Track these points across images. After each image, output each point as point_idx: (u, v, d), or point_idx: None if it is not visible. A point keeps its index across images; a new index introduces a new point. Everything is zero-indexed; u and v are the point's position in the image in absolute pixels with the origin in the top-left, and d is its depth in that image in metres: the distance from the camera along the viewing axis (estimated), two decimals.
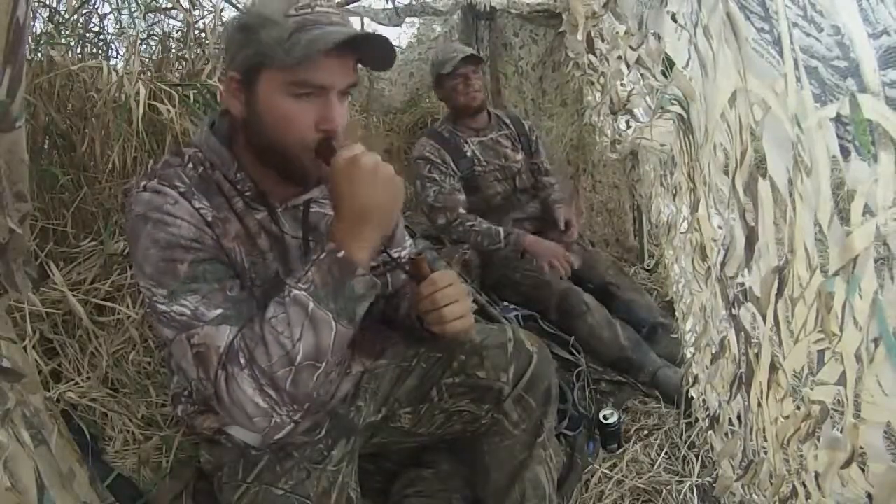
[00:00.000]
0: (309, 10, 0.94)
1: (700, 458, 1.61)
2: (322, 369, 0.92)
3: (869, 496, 0.47)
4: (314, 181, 1.03)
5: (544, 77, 3.21)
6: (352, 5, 3.17)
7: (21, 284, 0.72)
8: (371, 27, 3.24)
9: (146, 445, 1.50)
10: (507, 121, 2.47)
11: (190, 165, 1.03)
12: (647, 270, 2.77)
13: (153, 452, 1.51)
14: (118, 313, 1.67)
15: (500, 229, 2.19)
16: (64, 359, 1.59)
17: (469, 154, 2.29)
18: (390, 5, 3.25)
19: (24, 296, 0.76)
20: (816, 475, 0.55)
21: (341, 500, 1.15)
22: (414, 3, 3.33)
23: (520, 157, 2.38)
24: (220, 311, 0.92)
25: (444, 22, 3.84)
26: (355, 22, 3.25)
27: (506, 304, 2.15)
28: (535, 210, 2.45)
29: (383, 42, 0.99)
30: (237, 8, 2.02)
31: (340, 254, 0.91)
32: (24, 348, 1.31)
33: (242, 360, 0.89)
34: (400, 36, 3.99)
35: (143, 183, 0.97)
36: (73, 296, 1.54)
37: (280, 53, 0.92)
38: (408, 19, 3.58)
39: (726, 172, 0.59)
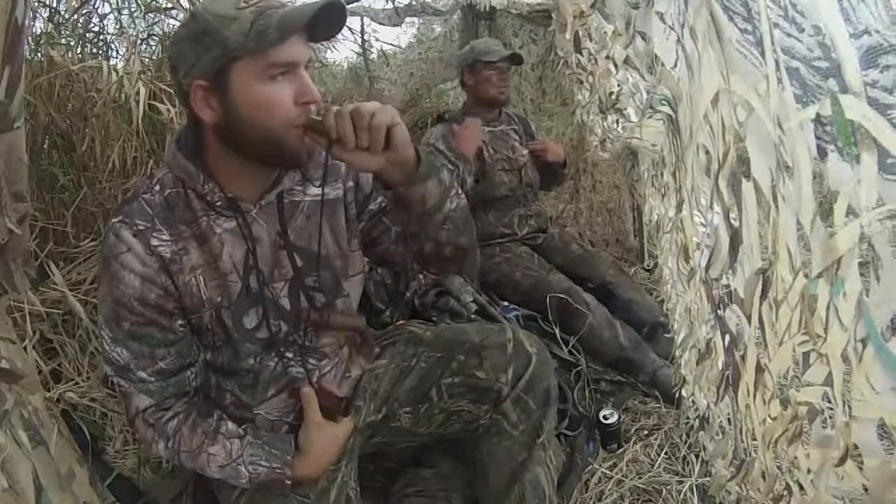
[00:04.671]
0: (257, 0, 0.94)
1: (700, 458, 1.61)
2: None
3: (865, 489, 0.47)
4: (305, 158, 1.02)
5: (544, 77, 3.21)
6: (352, 5, 3.17)
7: (20, 284, 0.72)
8: (371, 27, 3.25)
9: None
10: (516, 118, 2.53)
11: (157, 188, 1.04)
12: (647, 270, 2.77)
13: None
14: None
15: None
16: (64, 359, 1.59)
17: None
18: (390, 5, 3.25)
19: (22, 296, 0.77)
20: (810, 472, 0.55)
21: (340, 499, 1.16)
22: (414, 3, 3.33)
23: (525, 152, 2.41)
24: (143, 377, 1.05)
25: (444, 22, 3.84)
26: (355, 21, 3.26)
27: (506, 304, 2.14)
28: (539, 208, 2.48)
29: (340, 9, 0.98)
30: (188, 12, 2.03)
31: (288, 482, 1.10)
32: (24, 348, 1.32)
33: (156, 433, 1.07)
34: (400, 36, 4.00)
35: (113, 220, 1.02)
36: (73, 296, 1.54)
37: (250, 42, 0.91)
38: (408, 19, 3.58)
39: (708, 173, 0.59)
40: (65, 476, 0.91)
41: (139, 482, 1.45)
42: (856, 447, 0.46)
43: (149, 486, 1.45)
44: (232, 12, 0.93)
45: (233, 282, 1.07)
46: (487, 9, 3.41)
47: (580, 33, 1.00)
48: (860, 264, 0.39)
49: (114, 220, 1.01)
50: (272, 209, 1.09)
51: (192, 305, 1.05)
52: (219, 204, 1.04)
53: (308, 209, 1.14)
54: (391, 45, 3.93)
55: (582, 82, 1.18)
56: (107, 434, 1.53)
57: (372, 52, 4.16)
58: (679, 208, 0.82)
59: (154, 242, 1.00)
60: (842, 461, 0.48)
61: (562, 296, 2.08)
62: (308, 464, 1.11)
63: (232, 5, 0.94)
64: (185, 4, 2.04)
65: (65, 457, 0.96)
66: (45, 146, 1.83)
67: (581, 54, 1.04)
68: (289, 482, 1.09)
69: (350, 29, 3.27)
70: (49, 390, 1.46)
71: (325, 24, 0.97)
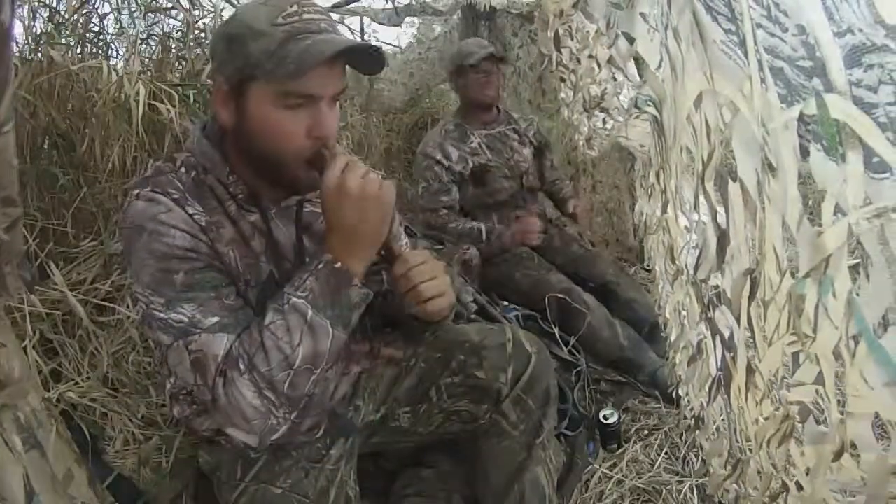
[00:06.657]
0: (297, 18, 0.92)
1: (700, 458, 1.61)
2: (318, 373, 0.96)
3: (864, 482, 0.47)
4: (306, 189, 1.02)
5: (543, 77, 3.21)
6: (352, 5, 3.17)
7: (13, 288, 0.72)
8: (371, 27, 3.25)
9: (146, 445, 1.51)
10: (516, 116, 2.49)
11: (182, 170, 1.03)
12: (647, 270, 2.75)
13: (153, 452, 1.51)
14: (118, 313, 1.68)
15: (482, 227, 2.24)
16: (64, 359, 1.60)
17: (474, 144, 2.30)
18: (390, 5, 3.25)
19: (14, 299, 0.77)
20: (807, 470, 0.55)
21: (339, 499, 1.16)
22: (414, 3, 3.33)
23: (526, 151, 2.39)
24: (217, 318, 0.95)
25: (444, 22, 3.85)
26: (355, 22, 3.26)
27: (506, 304, 2.14)
28: (540, 210, 2.47)
29: (372, 50, 0.99)
30: (237, 8, 2.04)
31: (338, 265, 0.94)
32: (24, 348, 1.32)
33: (242, 366, 0.92)
34: (400, 36, 4.01)
35: (136, 191, 0.97)
36: (73, 296, 1.55)
37: (269, 66, 0.90)
38: (408, 19, 3.58)
39: (692, 175, 0.59)
40: (62, 478, 0.91)
41: (139, 482, 1.45)
42: (853, 445, 0.46)
43: (149, 486, 1.45)
44: (264, 27, 0.92)
45: (263, 262, 1.06)
46: (487, 9, 3.41)
47: (560, 32, 1.00)
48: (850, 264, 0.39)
49: (139, 191, 0.96)
50: (291, 213, 1.10)
51: (228, 275, 1.02)
52: (240, 196, 1.04)
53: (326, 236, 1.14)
54: (391, 45, 3.94)
55: (564, 80, 1.19)
56: (107, 434, 1.54)
57: None
58: (664, 209, 0.82)
59: (190, 210, 0.97)
60: (837, 456, 0.47)
61: (561, 296, 2.08)
62: (345, 227, 0.94)
63: (268, 19, 0.92)
64: (185, 4, 2.05)
65: (63, 458, 0.96)
66: (45, 146, 1.84)
67: (561, 53, 1.04)
68: (338, 265, 0.94)
69: (350, 29, 3.27)
70: (49, 390, 1.47)
71: (361, 58, 0.97)
